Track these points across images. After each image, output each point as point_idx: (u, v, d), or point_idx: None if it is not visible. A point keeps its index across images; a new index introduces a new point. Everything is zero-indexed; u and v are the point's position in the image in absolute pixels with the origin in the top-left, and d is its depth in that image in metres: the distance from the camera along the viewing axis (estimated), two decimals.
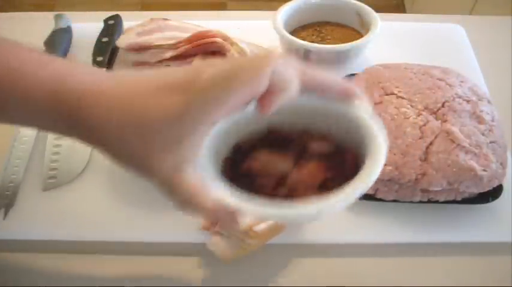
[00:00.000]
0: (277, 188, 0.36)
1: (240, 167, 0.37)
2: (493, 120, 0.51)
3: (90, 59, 0.67)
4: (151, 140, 0.31)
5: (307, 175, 0.36)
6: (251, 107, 0.33)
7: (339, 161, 0.36)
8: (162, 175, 0.32)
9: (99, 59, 0.66)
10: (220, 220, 0.34)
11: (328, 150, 0.37)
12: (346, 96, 0.36)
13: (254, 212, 0.33)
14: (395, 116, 0.50)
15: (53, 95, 0.32)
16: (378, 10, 0.66)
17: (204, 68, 0.32)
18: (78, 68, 0.34)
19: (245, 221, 0.44)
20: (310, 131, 0.38)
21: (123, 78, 0.34)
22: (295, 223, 0.36)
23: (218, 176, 0.34)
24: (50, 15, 0.72)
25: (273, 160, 0.36)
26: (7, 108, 0.34)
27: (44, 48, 0.67)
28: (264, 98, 0.32)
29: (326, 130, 0.38)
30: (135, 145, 0.32)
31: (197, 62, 0.32)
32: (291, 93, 0.32)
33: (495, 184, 0.49)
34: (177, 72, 0.33)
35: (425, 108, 0.51)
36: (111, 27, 0.71)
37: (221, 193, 0.33)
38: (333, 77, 0.36)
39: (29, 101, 0.33)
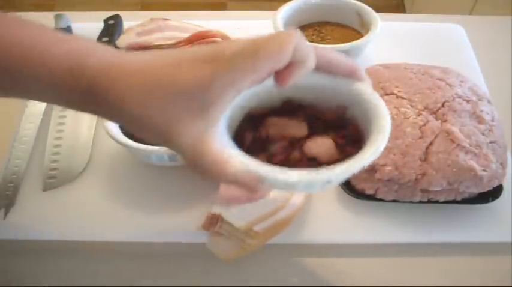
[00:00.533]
0: (290, 154, 0.37)
1: (252, 134, 0.38)
2: (493, 120, 0.51)
3: None
4: (179, 107, 0.33)
5: (321, 143, 0.37)
6: (269, 80, 0.34)
7: (345, 131, 0.38)
8: (188, 141, 0.33)
9: None
10: (241, 187, 0.35)
11: (336, 120, 0.39)
12: (351, 74, 0.38)
13: (273, 177, 0.33)
14: (395, 116, 0.50)
15: (70, 72, 0.34)
16: (378, 10, 0.66)
17: (228, 44, 0.34)
18: (96, 47, 0.35)
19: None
20: (318, 104, 0.40)
21: (144, 56, 0.35)
22: (310, 189, 0.38)
23: (233, 144, 0.36)
24: (50, 15, 0.72)
25: (287, 124, 0.38)
26: (22, 83, 0.35)
27: None
28: (282, 71, 0.34)
29: (333, 105, 0.40)
30: (161, 113, 0.33)
31: (219, 41, 0.35)
32: (308, 68, 0.34)
33: (495, 184, 0.49)
34: (200, 48, 0.34)
35: (425, 108, 0.51)
36: (111, 27, 0.71)
37: (242, 160, 0.34)
38: (339, 55, 0.38)
39: (45, 78, 0.34)
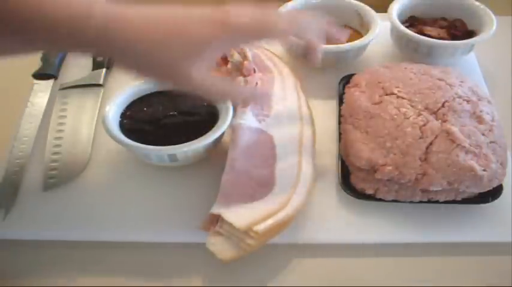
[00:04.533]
0: None
1: None
2: (493, 120, 0.51)
3: (90, 59, 0.67)
4: (185, 52, 0.43)
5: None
6: None
7: None
8: (192, 75, 0.44)
9: (100, 59, 0.66)
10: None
11: None
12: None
13: None
14: (395, 116, 0.50)
15: (80, 19, 0.39)
16: (377, 10, 0.66)
17: (236, 11, 0.43)
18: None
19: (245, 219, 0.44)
20: None
21: (151, 9, 0.43)
22: None
23: None
24: None
25: None
26: (30, 31, 0.39)
27: None
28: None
29: None
30: (171, 54, 0.43)
31: (221, 8, 0.44)
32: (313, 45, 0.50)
33: (495, 184, 0.49)
34: (208, 10, 0.43)
35: (426, 108, 0.51)
36: None
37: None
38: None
39: (54, 25, 0.39)
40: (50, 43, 0.43)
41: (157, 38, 0.42)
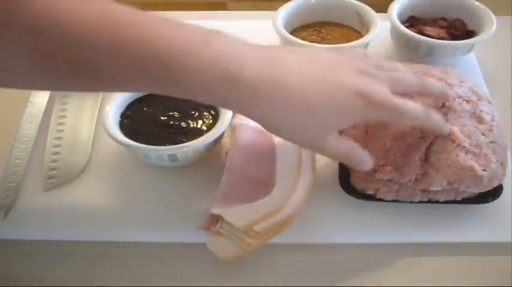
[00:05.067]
0: None
1: None
2: (493, 120, 0.51)
3: None
4: (329, 123, 0.42)
5: None
6: None
7: None
8: (331, 142, 0.43)
9: None
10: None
11: None
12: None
13: None
14: None
15: (230, 80, 0.37)
16: (378, 10, 0.66)
17: (383, 91, 0.41)
18: (249, 56, 0.39)
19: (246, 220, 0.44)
20: None
21: (300, 73, 0.40)
22: None
23: None
24: None
25: None
26: (182, 81, 0.38)
27: None
28: None
29: None
30: (317, 127, 0.42)
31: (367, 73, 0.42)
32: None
33: (495, 184, 0.49)
34: (357, 77, 0.41)
35: None
36: None
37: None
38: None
39: (203, 79, 0.37)
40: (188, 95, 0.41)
41: (311, 105, 0.40)
